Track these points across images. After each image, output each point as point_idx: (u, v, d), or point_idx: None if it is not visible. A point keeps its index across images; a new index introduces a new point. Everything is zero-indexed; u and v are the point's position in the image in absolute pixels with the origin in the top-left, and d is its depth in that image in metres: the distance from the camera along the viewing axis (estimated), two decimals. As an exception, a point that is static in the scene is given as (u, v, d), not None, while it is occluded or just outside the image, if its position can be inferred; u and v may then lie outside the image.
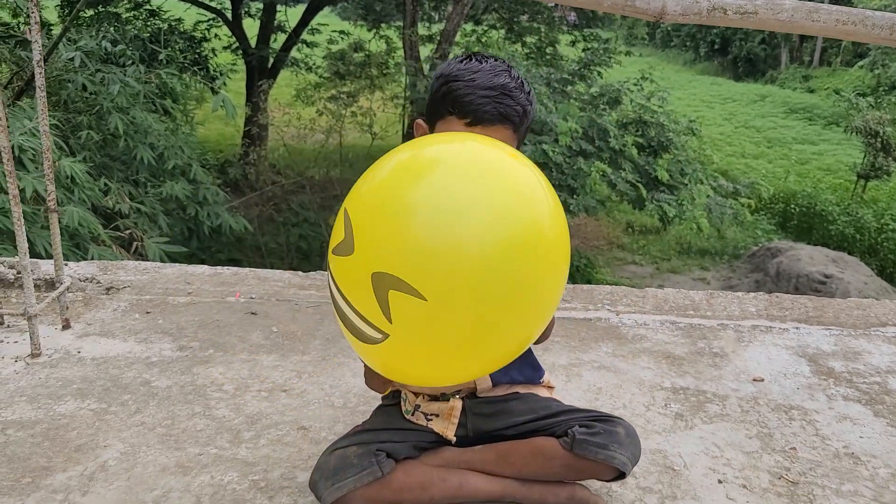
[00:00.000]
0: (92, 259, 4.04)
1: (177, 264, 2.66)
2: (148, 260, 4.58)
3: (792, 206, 12.51)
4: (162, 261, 4.65)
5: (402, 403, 1.54)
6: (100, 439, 1.65)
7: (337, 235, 1.08)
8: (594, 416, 1.46)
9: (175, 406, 1.80)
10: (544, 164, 9.02)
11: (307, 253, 9.08)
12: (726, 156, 15.96)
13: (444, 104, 1.30)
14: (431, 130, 1.35)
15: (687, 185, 9.83)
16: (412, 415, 1.51)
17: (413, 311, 0.99)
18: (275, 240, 8.91)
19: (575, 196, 9.11)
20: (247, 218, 6.89)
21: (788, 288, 10.31)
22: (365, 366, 1.43)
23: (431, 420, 1.50)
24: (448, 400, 1.49)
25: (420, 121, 1.38)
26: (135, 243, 4.81)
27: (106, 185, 5.02)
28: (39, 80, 1.81)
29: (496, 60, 1.31)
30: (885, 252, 10.77)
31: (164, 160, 5.77)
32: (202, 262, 5.29)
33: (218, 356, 2.06)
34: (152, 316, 2.28)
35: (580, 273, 10.58)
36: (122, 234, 4.82)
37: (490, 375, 1.51)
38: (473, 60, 1.32)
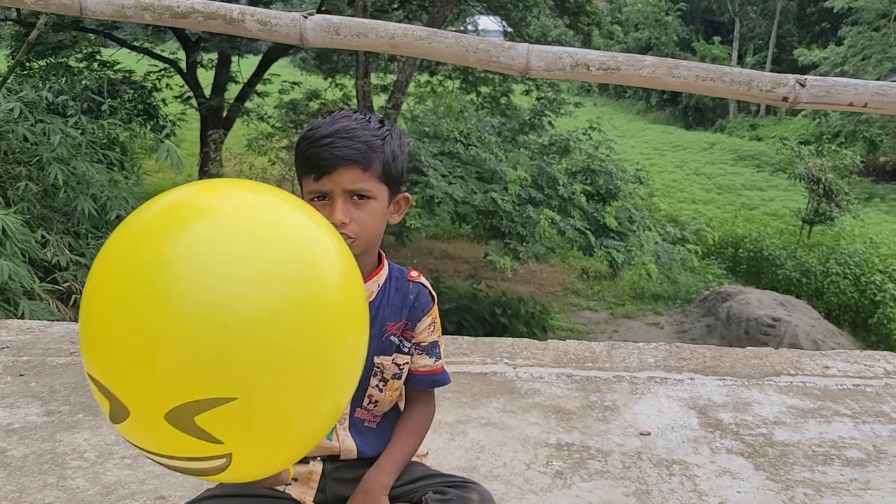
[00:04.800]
0: (23, 315, 3.88)
1: (66, 322, 2.56)
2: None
3: (741, 250, 12.75)
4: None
5: (262, 467, 1.47)
6: (-66, 516, 1.55)
7: (102, 403, 0.94)
8: (451, 482, 1.41)
9: (27, 477, 1.70)
10: (493, 212, 9.10)
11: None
12: (677, 202, 16.30)
13: (298, 167, 1.29)
14: (303, 195, 1.32)
15: (635, 231, 9.97)
16: (269, 479, 1.44)
17: (233, 416, 0.88)
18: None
19: (524, 243, 9.16)
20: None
21: (739, 332, 10.42)
22: None
23: (290, 484, 1.43)
24: (308, 463, 1.43)
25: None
26: (73, 296, 4.66)
27: (44, 237, 4.89)
28: None
29: (343, 110, 1.30)
30: (830, 295, 10.98)
31: (107, 211, 5.64)
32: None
33: (87, 421, 1.96)
34: (25, 379, 2.17)
35: (535, 320, 10.55)
36: (61, 288, 4.67)
37: (357, 446, 1.45)
38: (320, 118, 1.31)
